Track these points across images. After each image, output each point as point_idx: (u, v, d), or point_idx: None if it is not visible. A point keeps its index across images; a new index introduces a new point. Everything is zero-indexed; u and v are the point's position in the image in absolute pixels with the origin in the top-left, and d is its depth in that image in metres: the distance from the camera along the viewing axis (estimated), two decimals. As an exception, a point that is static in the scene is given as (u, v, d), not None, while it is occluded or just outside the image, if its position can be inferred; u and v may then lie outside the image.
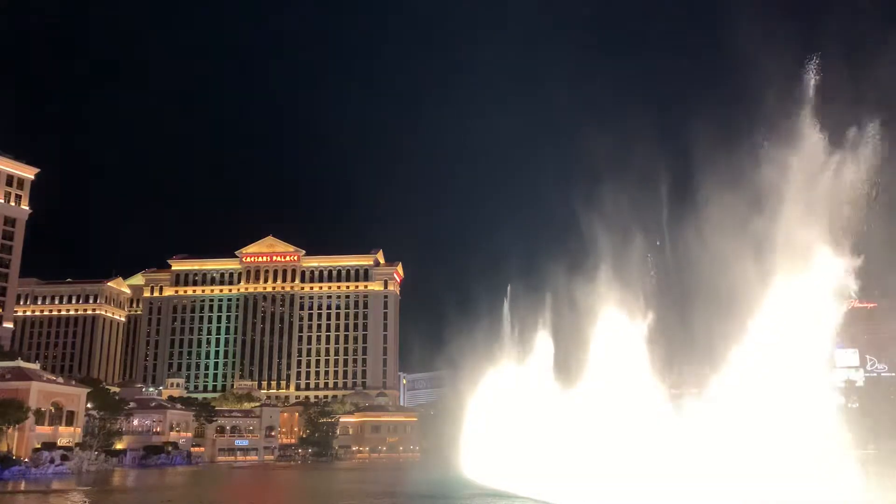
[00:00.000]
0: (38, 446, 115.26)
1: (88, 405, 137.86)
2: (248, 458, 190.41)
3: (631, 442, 58.95)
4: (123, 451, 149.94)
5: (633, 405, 62.51)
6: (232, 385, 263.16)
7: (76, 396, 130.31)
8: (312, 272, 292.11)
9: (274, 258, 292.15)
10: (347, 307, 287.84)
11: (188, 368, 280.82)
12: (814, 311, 46.70)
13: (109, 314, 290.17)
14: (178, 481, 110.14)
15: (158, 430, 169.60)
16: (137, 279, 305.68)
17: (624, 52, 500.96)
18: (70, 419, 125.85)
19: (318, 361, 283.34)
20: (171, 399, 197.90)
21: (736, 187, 50.98)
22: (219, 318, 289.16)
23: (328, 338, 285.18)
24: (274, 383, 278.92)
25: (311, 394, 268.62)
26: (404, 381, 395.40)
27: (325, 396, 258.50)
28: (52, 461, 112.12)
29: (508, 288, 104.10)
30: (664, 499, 47.67)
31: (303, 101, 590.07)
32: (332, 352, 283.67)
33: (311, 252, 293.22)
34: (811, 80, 48.98)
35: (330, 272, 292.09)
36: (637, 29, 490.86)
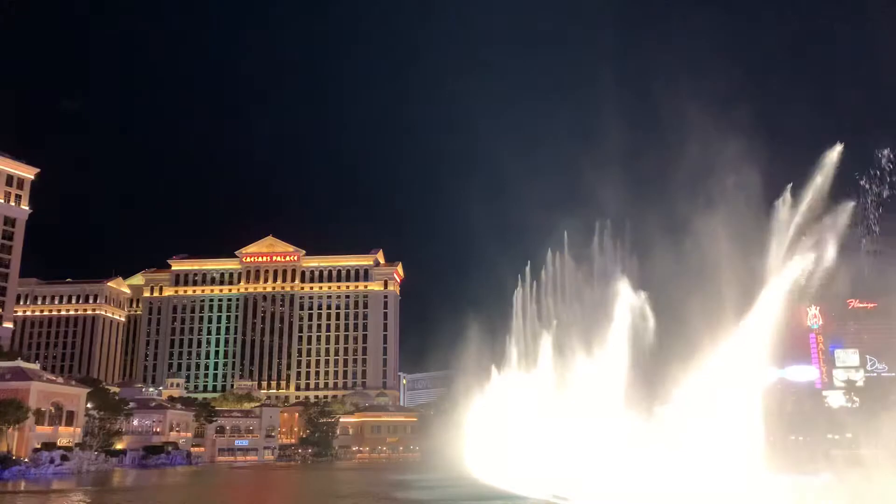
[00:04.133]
0: (38, 446, 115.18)
1: (88, 405, 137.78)
2: (248, 458, 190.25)
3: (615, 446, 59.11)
4: (123, 452, 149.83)
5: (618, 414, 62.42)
6: (232, 385, 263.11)
7: (76, 396, 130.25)
8: (312, 272, 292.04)
9: (274, 258, 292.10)
10: (347, 307, 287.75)
11: (188, 368, 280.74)
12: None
13: (109, 314, 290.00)
14: (177, 482, 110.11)
15: (158, 430, 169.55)
16: (137, 279, 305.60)
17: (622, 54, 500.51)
18: (70, 419, 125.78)
19: (318, 361, 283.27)
20: (171, 399, 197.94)
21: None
22: (219, 318, 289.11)
23: (328, 338, 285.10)
24: (274, 383, 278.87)
25: (311, 394, 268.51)
26: (404, 381, 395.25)
27: (325, 396, 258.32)
28: (51, 461, 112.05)
29: (524, 273, 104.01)
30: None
31: (303, 102, 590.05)
32: (332, 352, 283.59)
33: (311, 252, 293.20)
34: None
35: (330, 272, 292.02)
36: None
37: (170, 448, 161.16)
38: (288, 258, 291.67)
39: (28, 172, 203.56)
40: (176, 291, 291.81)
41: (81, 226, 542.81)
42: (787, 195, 48.94)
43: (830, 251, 43.25)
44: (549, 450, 73.49)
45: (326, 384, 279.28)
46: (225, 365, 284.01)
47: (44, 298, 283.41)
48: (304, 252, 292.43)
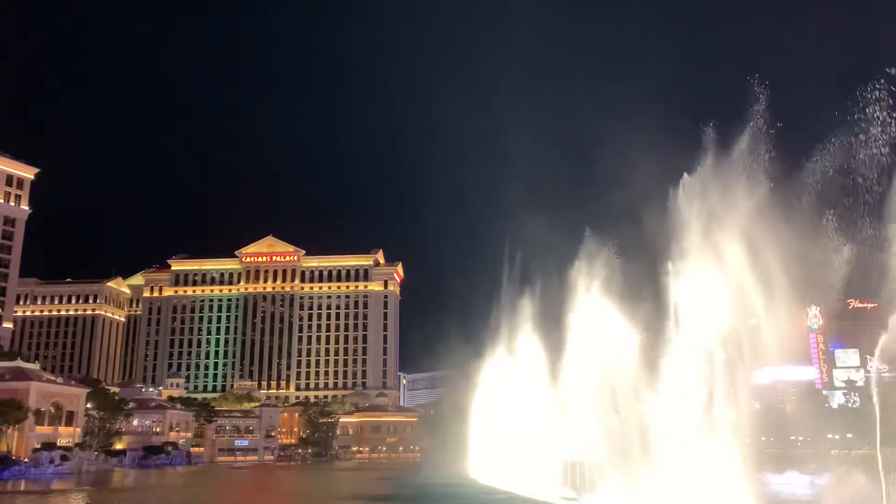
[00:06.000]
0: (38, 446, 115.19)
1: (88, 405, 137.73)
2: (248, 458, 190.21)
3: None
4: (123, 452, 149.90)
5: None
6: (232, 385, 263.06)
7: (76, 396, 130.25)
8: (312, 272, 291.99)
9: (274, 258, 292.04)
10: (347, 307, 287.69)
11: (188, 368, 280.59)
12: None
13: (109, 314, 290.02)
14: (176, 482, 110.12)
15: (158, 430, 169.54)
16: (137, 279, 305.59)
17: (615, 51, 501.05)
18: (70, 419, 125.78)
19: (318, 361, 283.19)
20: (171, 399, 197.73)
21: None
22: (219, 318, 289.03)
23: (328, 338, 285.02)
24: (274, 383, 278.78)
25: (311, 394, 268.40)
26: (404, 381, 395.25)
27: (325, 396, 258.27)
28: (51, 461, 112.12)
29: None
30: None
31: (302, 102, 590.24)
32: (332, 352, 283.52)
33: (311, 252, 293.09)
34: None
35: (330, 272, 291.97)
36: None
37: (169, 448, 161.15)
38: (288, 258, 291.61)
39: (28, 172, 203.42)
40: (176, 291, 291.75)
41: (81, 226, 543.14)
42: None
43: None
44: (547, 448, 73.44)
45: (326, 384, 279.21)
46: (225, 365, 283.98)
47: (44, 298, 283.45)
48: (304, 252, 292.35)
